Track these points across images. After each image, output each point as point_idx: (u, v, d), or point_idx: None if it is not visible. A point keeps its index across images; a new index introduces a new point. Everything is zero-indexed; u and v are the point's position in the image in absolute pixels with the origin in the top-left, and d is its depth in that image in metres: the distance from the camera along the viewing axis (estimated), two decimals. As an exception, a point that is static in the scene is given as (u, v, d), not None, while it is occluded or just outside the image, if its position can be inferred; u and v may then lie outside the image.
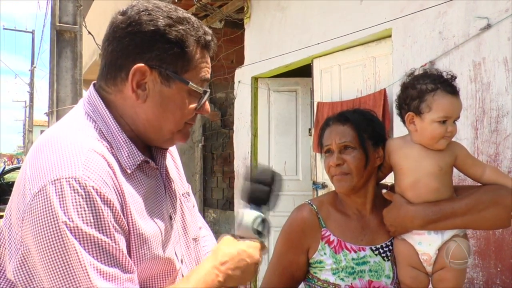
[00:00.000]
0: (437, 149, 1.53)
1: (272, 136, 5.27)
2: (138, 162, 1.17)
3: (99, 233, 1.01)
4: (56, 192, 0.99)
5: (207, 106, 1.27)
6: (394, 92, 3.38)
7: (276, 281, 1.70)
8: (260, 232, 1.26)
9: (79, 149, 1.06)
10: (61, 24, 5.88)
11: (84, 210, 1.00)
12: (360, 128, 1.61)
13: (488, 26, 2.70)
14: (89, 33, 6.72)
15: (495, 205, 1.47)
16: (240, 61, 5.65)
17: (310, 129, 5.03)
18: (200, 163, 6.41)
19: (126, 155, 1.15)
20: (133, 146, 1.17)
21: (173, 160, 1.43)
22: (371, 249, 1.61)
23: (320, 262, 1.63)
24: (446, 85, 1.50)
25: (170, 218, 1.27)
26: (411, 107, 1.53)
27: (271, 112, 5.28)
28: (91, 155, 1.06)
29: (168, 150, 1.34)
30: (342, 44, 3.93)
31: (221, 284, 1.15)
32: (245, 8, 5.32)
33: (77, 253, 0.98)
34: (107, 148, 1.13)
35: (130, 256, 1.09)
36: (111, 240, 1.02)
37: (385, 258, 1.60)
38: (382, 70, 3.69)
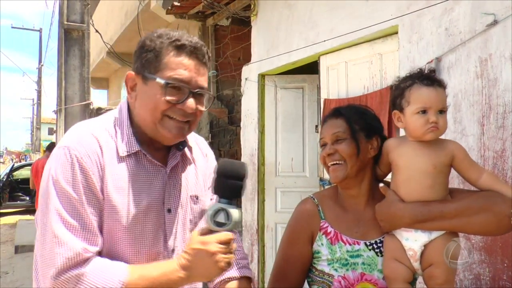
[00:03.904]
0: (428, 142, 1.56)
1: (279, 133, 5.29)
2: (133, 151, 1.46)
3: (71, 189, 1.33)
4: (56, 154, 1.39)
5: (170, 97, 1.44)
6: (400, 89, 3.39)
7: (284, 273, 1.77)
8: (223, 223, 1.35)
9: (84, 132, 1.44)
10: (69, 23, 5.91)
11: (66, 170, 1.35)
12: (352, 120, 1.70)
13: (495, 22, 2.70)
14: (97, 31, 6.76)
15: (486, 211, 1.48)
16: (247, 58, 5.67)
17: (317, 126, 5.05)
18: (207, 160, 6.44)
19: (124, 143, 1.46)
20: (132, 139, 1.47)
21: (194, 165, 1.65)
22: (365, 244, 1.67)
23: (317, 252, 1.71)
24: (423, 79, 1.56)
25: (169, 211, 1.50)
26: (395, 106, 1.62)
27: (278, 109, 5.30)
28: (88, 136, 1.42)
29: (191, 158, 1.63)
30: (348, 41, 3.94)
31: (184, 276, 1.36)
32: (252, 6, 5.33)
33: (51, 198, 1.33)
34: (111, 137, 1.46)
35: (103, 220, 1.38)
36: (78, 197, 1.33)
37: (378, 253, 1.65)
38: (389, 67, 3.70)
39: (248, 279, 1.64)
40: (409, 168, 1.58)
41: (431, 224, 1.52)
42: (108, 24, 10.39)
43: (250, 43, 5.51)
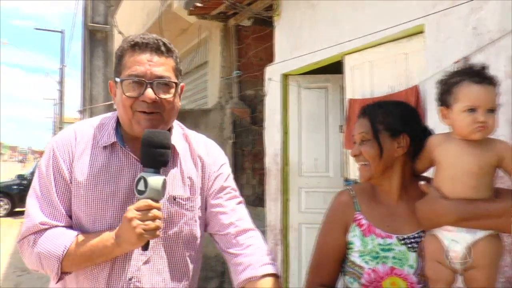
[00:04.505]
0: (475, 141, 1.51)
1: (302, 133, 5.28)
2: (109, 142, 1.62)
3: (45, 171, 1.60)
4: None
5: (129, 92, 1.57)
6: (427, 89, 3.36)
7: (321, 263, 1.81)
8: (142, 191, 1.45)
9: (70, 127, 1.69)
10: (93, 24, 5.98)
11: (46, 156, 1.63)
12: (375, 120, 1.69)
13: (525, 21, 2.66)
14: (120, 32, 6.83)
15: None
16: (269, 58, 5.66)
17: (341, 126, 5.03)
18: (230, 160, 6.45)
19: (104, 137, 1.64)
20: (112, 133, 1.64)
21: (178, 168, 1.70)
22: (398, 238, 1.66)
23: (351, 243, 1.73)
24: (473, 75, 1.52)
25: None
26: (442, 102, 1.57)
27: (301, 109, 5.29)
28: (69, 130, 1.67)
29: (176, 160, 1.69)
30: (373, 40, 3.91)
31: (115, 242, 1.49)
32: (274, 6, 5.33)
33: (34, 178, 1.63)
34: (94, 132, 1.66)
35: (71, 200, 1.59)
36: (48, 179, 1.59)
37: (410, 248, 1.64)
38: (414, 66, 3.66)
39: (274, 276, 1.63)
40: (453, 167, 1.53)
41: (476, 223, 1.48)
42: (130, 25, 10.45)
43: (272, 43, 5.51)
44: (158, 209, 1.46)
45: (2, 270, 8.19)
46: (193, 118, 6.41)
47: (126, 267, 1.58)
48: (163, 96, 1.58)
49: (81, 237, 1.53)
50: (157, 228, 1.46)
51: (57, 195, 1.58)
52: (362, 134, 1.69)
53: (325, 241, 1.81)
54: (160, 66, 1.58)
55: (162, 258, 1.63)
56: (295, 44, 5.04)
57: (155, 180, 1.44)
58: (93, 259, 1.53)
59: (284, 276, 5.26)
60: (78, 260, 1.52)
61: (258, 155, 6.09)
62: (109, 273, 1.57)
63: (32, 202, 1.59)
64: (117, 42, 6.74)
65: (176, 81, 1.63)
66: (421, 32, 3.48)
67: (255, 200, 6.22)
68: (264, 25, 6.00)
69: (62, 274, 1.54)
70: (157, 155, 1.49)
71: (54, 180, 1.59)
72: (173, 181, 1.66)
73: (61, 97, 36.51)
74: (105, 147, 1.62)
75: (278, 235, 5.29)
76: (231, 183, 1.83)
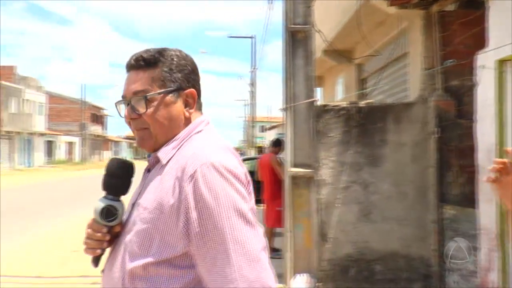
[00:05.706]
0: None
1: (522, 125, 4.69)
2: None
3: None
4: None
5: (121, 113, 1.64)
6: None
7: None
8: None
9: None
10: (293, 26, 6.18)
11: None
12: None
13: None
14: (318, 31, 6.87)
15: None
16: (478, 45, 5.14)
17: None
18: (434, 156, 6.05)
19: None
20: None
21: (160, 177, 1.54)
22: None
23: None
24: None
25: (133, 205, 1.59)
26: None
27: (521, 99, 4.70)
28: None
29: (161, 172, 1.54)
30: None
31: None
32: (489, -15, 4.82)
33: None
34: None
35: None
36: None
37: None
38: None
39: None
40: None
41: None
42: (323, 24, 10.56)
43: (482, 28, 4.99)
44: (97, 230, 1.56)
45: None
46: (394, 113, 6.15)
47: (105, 260, 1.65)
48: (141, 111, 1.56)
49: None
50: (86, 245, 1.60)
51: None
52: None
53: None
54: (136, 82, 1.57)
55: (115, 260, 1.54)
56: (514, 26, 4.49)
57: (96, 205, 1.58)
58: None
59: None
60: None
61: (466, 151, 5.60)
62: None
63: None
64: (316, 41, 6.82)
65: (156, 91, 1.54)
66: None
67: (463, 200, 5.73)
68: (472, 8, 5.50)
69: None
70: (109, 183, 1.60)
71: None
72: (146, 189, 1.55)
73: (252, 98, 38.86)
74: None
75: (494, 240, 4.79)
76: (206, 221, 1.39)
